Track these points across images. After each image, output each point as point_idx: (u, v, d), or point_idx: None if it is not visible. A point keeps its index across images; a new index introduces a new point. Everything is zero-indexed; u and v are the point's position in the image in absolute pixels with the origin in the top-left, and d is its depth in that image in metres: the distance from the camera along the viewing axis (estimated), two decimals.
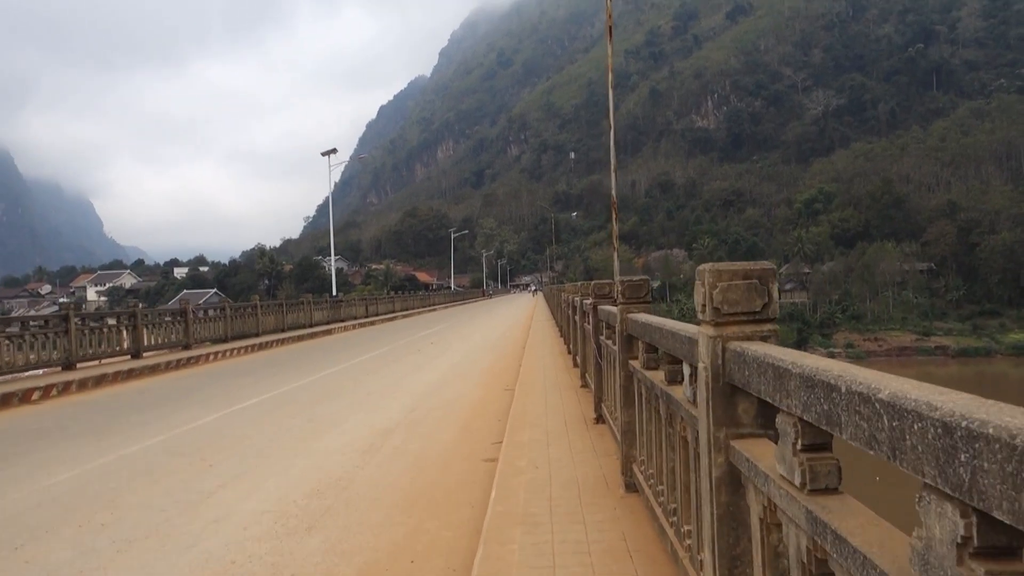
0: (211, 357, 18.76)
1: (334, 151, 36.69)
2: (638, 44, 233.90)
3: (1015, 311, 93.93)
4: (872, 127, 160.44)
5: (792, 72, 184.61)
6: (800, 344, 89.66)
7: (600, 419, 8.52)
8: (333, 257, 40.20)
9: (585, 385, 11.11)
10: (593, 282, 9.35)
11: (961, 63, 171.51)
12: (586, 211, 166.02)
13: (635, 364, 5.48)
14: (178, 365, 17.17)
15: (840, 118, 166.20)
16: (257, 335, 23.58)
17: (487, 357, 18.07)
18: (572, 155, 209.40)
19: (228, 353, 19.68)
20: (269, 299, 48.24)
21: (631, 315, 5.71)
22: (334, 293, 37.38)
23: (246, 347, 20.74)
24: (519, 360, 15.99)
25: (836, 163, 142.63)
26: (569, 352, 15.80)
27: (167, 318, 19.30)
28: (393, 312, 44.92)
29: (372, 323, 36.19)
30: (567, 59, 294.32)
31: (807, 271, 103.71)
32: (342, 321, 33.53)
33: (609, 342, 7.41)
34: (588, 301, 9.36)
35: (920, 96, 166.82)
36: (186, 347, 19.35)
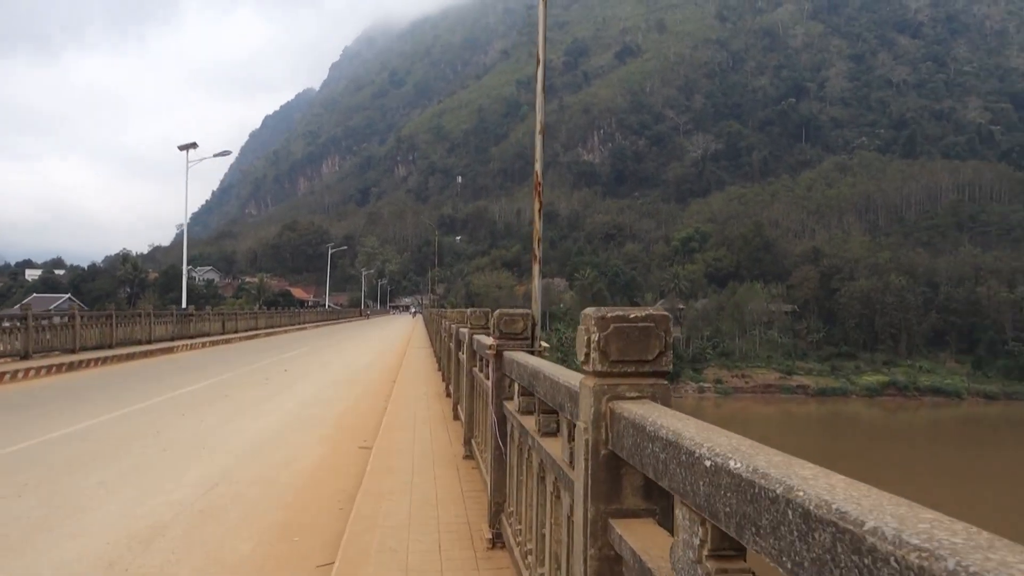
0: None
1: (193, 145, 33.59)
2: (530, 75, 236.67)
3: (869, 354, 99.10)
4: (746, 173, 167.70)
5: (675, 115, 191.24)
6: (672, 378, 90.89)
7: (470, 455, 7.93)
8: (185, 265, 36.83)
9: (457, 418, 10.47)
10: (470, 310, 8.87)
11: (828, 119, 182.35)
12: (470, 236, 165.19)
13: (509, 406, 4.76)
14: None
15: (717, 162, 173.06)
16: (73, 351, 20.51)
17: (348, 393, 15.20)
18: (459, 180, 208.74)
19: (23, 374, 16.68)
20: (129, 308, 44.02)
21: (506, 353, 5.09)
22: (183, 305, 34.13)
23: (47, 367, 17.72)
24: (386, 399, 13.55)
25: (712, 204, 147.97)
26: (444, 382, 14.39)
27: None
28: (255, 329, 41.83)
29: (228, 341, 33.23)
30: (459, 84, 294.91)
31: (682, 307, 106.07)
32: (191, 338, 30.42)
33: (482, 375, 6.94)
34: (464, 330, 8.92)
35: (790, 147, 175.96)
36: None
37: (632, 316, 2.20)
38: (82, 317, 21.71)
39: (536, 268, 6.02)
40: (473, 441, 7.88)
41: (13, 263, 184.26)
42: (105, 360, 20.75)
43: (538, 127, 5.69)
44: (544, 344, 5.10)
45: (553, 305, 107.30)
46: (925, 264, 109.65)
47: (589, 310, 2.30)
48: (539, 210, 5.82)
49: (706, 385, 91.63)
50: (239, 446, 9.57)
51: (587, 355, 2.25)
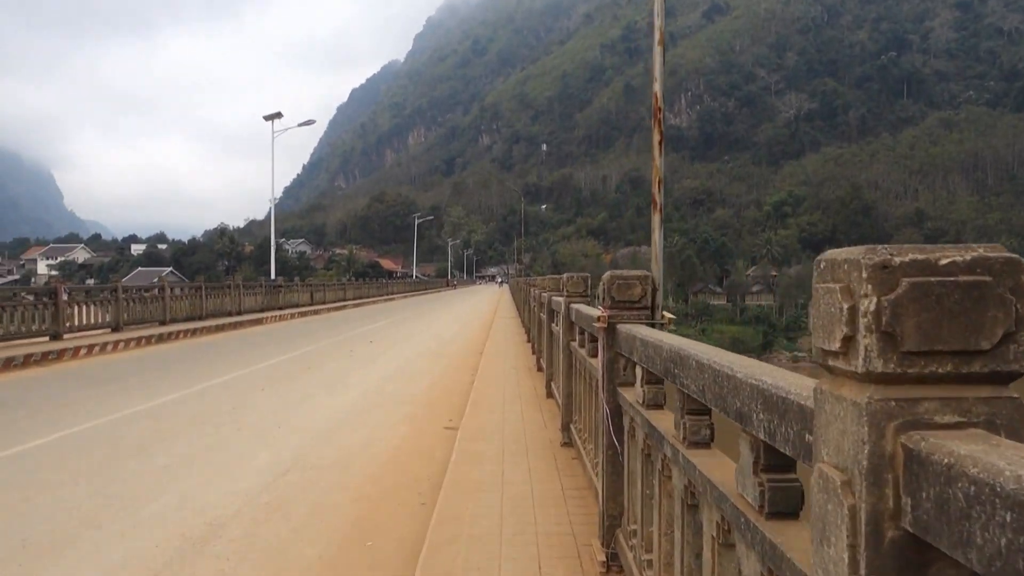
0: (83, 351, 15.67)
1: (279, 115, 33.49)
2: (614, 39, 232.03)
3: None
4: (843, 132, 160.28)
5: (766, 74, 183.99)
6: (765, 347, 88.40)
7: (569, 443, 6.97)
8: (273, 238, 36.94)
9: (551, 396, 9.52)
10: (566, 275, 7.76)
11: (932, 73, 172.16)
12: (556, 204, 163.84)
13: (628, 395, 3.93)
14: (25, 363, 14.02)
15: (812, 122, 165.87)
16: (163, 323, 20.58)
17: (433, 367, 14.45)
18: (544, 147, 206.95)
19: (112, 346, 16.67)
20: (226, 279, 45.04)
21: (621, 326, 4.12)
22: (272, 276, 34.33)
23: (136, 339, 17.70)
24: (473, 372, 12.67)
25: (806, 167, 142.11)
26: (535, 355, 13.49)
27: (28, 298, 16.11)
28: (343, 300, 41.96)
29: (316, 312, 33.31)
30: (542, 51, 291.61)
31: (774, 274, 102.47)
32: (280, 309, 30.54)
33: (584, 352, 6.16)
34: (559, 299, 8.08)
35: (891, 104, 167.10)
36: (55, 336, 16.19)
37: (944, 263, 1.11)
38: (172, 289, 21.79)
39: (657, 218, 5.00)
40: (572, 427, 6.86)
41: (120, 238, 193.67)
42: (194, 332, 20.78)
43: (657, 36, 4.69)
44: (668, 315, 4.08)
45: None
46: None
47: (844, 251, 1.23)
48: (660, 143, 4.78)
49: (800, 354, 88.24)
50: (316, 425, 8.88)
51: (848, 340, 1.17)
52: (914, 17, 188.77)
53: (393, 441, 8.19)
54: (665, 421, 2.93)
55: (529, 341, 16.14)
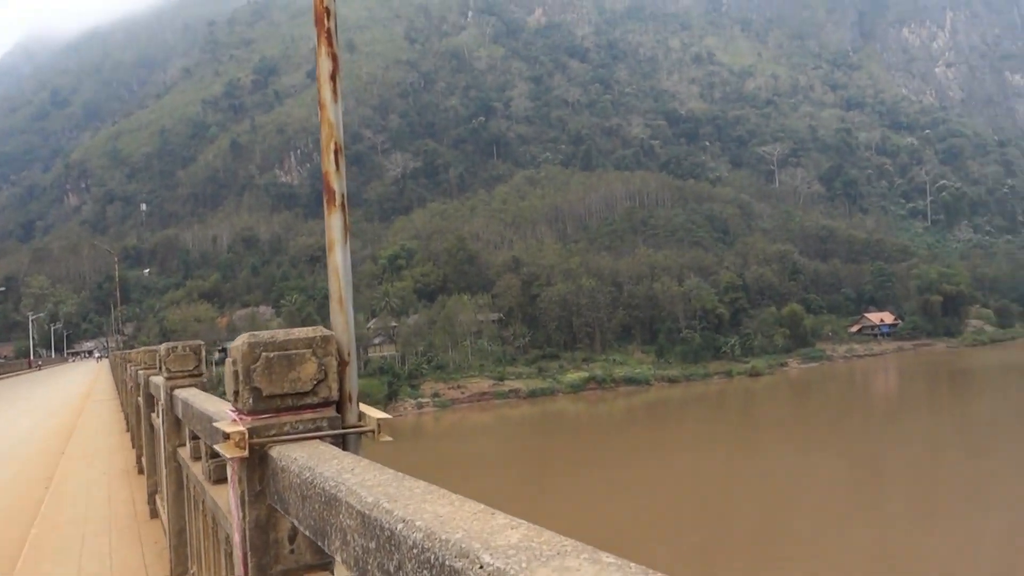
0: None
1: None
2: (217, 95, 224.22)
3: (570, 353, 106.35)
4: (445, 189, 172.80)
5: (372, 134, 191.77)
6: (391, 397, 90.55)
7: (156, 513, 6.02)
8: None
9: (156, 515, 6.94)
10: (143, 348, 6.96)
11: (515, 136, 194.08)
12: (161, 268, 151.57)
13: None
14: None
15: (417, 179, 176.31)
16: None
17: None
18: (144, 207, 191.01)
19: None
20: None
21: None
22: None
23: None
24: (46, 486, 9.72)
25: (415, 221, 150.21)
26: (128, 432, 11.39)
27: None
28: None
29: None
30: (136, 104, 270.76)
31: (394, 324, 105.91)
32: None
33: (158, 420, 5.31)
34: (143, 373, 7.15)
35: (484, 163, 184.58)
36: None
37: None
38: None
39: (337, 220, 2.60)
40: (157, 497, 6.51)
41: None
42: None
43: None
44: (376, 414, 2.70)
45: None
46: (609, 266, 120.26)
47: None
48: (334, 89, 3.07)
49: (424, 400, 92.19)
50: None
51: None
52: (497, 87, 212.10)
53: None
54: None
55: (128, 430, 13.79)
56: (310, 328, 2.36)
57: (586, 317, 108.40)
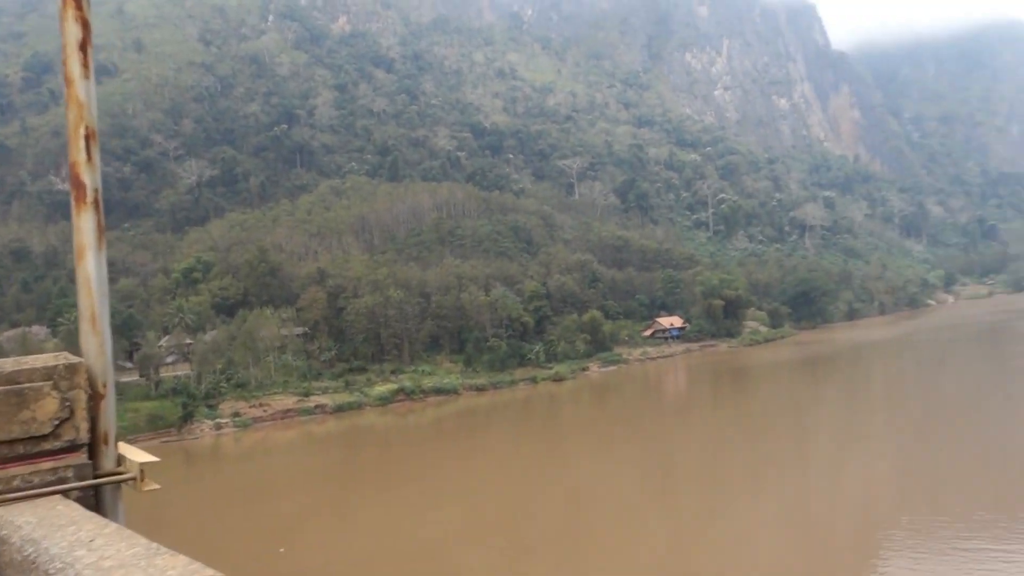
0: None
1: None
2: None
3: (378, 366, 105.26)
4: (245, 198, 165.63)
5: (163, 140, 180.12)
6: (186, 419, 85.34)
7: None
8: None
9: None
10: None
11: (320, 145, 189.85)
12: None
13: None
14: None
15: (214, 188, 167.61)
16: None
17: None
18: None
19: None
20: None
21: None
22: None
23: None
24: None
25: (212, 232, 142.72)
26: None
27: None
28: None
29: None
30: None
31: (190, 342, 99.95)
32: None
33: None
34: None
35: (287, 172, 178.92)
36: None
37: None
38: None
39: (88, 221, 2.20)
40: None
41: None
42: None
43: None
44: (138, 457, 2.12)
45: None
46: (418, 277, 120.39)
47: None
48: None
49: (223, 421, 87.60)
50: None
51: None
52: (300, 94, 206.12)
53: None
54: None
55: None
56: (51, 355, 1.96)
57: (394, 328, 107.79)
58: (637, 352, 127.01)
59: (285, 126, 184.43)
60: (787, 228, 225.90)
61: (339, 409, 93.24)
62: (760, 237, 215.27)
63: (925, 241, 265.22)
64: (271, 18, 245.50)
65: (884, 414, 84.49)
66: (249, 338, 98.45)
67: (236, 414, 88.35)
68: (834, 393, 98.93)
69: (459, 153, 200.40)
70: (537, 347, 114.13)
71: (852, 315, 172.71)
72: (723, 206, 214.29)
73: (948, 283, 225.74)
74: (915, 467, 60.89)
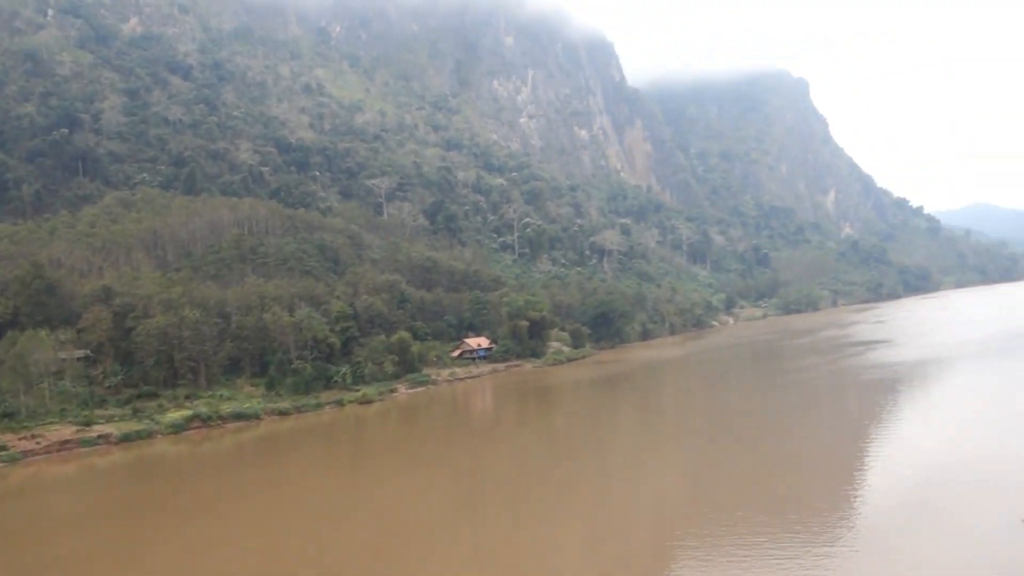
0: None
1: None
2: None
3: (171, 391, 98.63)
4: (16, 208, 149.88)
5: None
6: None
7: None
8: None
9: None
10: None
11: (107, 153, 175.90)
12: None
13: None
14: None
15: None
16: None
17: None
18: None
19: None
20: None
21: None
22: None
23: None
24: None
25: None
26: None
27: None
28: None
29: None
30: None
31: None
32: None
33: None
34: None
35: (67, 181, 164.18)
36: None
37: None
38: None
39: None
40: None
41: None
42: None
43: None
44: None
45: None
46: (216, 296, 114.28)
47: None
48: None
49: None
50: None
51: None
52: (84, 97, 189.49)
53: None
54: None
55: None
56: None
57: (189, 351, 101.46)
58: (445, 373, 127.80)
59: (66, 130, 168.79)
60: (587, 252, 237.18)
61: (126, 439, 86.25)
62: (563, 260, 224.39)
63: (709, 267, 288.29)
64: (51, 12, 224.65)
65: (674, 427, 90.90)
66: (20, 362, 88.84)
67: (3, 447, 79.24)
68: (630, 409, 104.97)
69: (262, 168, 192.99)
70: (344, 369, 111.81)
71: (646, 335, 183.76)
72: (528, 230, 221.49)
73: (728, 305, 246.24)
74: (702, 475, 66.02)
